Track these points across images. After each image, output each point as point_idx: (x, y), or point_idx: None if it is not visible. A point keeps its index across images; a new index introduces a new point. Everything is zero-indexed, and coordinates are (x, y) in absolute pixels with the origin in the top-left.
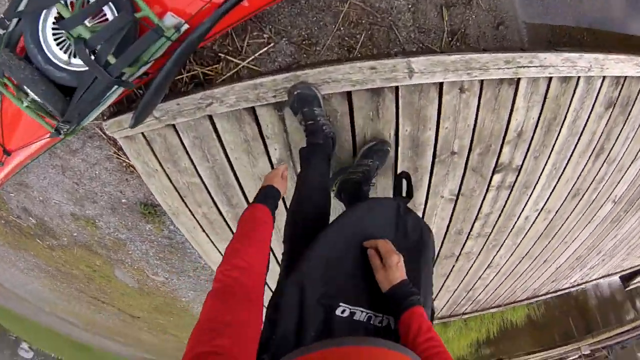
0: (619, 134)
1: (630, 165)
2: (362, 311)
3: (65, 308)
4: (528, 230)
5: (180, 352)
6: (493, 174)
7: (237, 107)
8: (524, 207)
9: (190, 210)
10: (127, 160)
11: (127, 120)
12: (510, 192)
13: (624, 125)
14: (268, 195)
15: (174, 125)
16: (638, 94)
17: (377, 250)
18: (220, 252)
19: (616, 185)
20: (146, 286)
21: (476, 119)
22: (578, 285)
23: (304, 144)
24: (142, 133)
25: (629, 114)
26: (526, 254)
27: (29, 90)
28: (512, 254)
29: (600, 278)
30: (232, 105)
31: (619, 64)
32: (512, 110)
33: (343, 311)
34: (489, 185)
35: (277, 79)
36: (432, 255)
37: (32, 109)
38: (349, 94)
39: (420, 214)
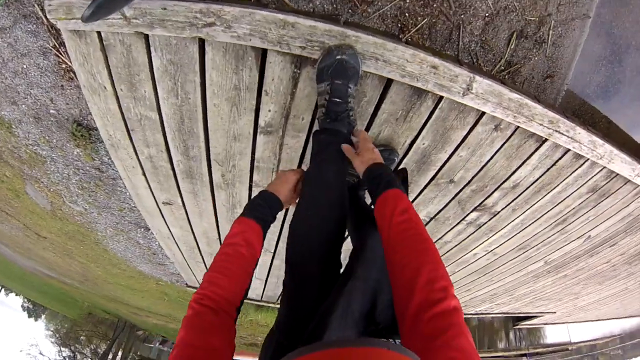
0: (583, 215)
1: (574, 240)
2: None
3: None
4: (469, 264)
5: (84, 277)
6: (473, 210)
7: (246, 42)
8: (478, 245)
9: (134, 148)
10: (67, 62)
11: (80, 6)
12: (476, 231)
13: (591, 209)
14: (264, 207)
15: (146, 37)
16: (616, 191)
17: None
18: (156, 201)
19: (555, 251)
20: (60, 211)
21: (490, 159)
22: (481, 314)
23: (307, 117)
24: (99, 32)
25: (600, 202)
26: (455, 282)
27: None
28: None
29: (500, 314)
30: (241, 37)
31: (622, 164)
32: (522, 164)
33: None
34: (462, 219)
35: (318, 27)
36: None
37: None
38: (388, 82)
39: None
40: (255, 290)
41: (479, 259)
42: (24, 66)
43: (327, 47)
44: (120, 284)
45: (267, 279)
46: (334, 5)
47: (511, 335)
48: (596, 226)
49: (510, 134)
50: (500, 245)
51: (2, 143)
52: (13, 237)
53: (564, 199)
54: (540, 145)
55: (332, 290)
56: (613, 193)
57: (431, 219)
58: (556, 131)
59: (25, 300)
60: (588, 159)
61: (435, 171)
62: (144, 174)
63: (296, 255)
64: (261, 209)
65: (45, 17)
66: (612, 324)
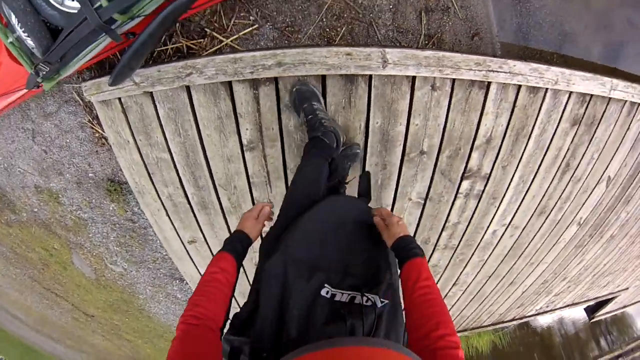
0: (584, 153)
1: (595, 187)
2: (342, 293)
3: (16, 299)
4: (495, 247)
5: None
6: (462, 179)
7: (215, 80)
8: (492, 220)
9: (156, 190)
10: (100, 131)
11: (106, 83)
12: (478, 202)
13: (588, 144)
14: (234, 241)
15: (151, 94)
16: (603, 114)
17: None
18: (182, 241)
19: (581, 207)
20: (103, 277)
21: (446, 119)
22: (544, 312)
23: (275, 126)
24: (119, 99)
25: (594, 134)
26: (493, 273)
27: (16, 25)
28: (478, 272)
29: (566, 307)
30: (210, 77)
31: (584, 82)
32: (481, 114)
33: (327, 292)
34: (457, 192)
35: (256, 55)
36: None
37: (16, 46)
38: (323, 78)
39: None
40: None
41: (501, 237)
42: (67, 140)
43: (289, 89)
44: None
45: None
46: (275, 42)
47: (602, 342)
48: (609, 163)
49: (450, 89)
50: (515, 214)
51: (51, 214)
52: (62, 325)
53: (551, 141)
54: (487, 91)
55: None
56: (601, 118)
57: (425, 199)
58: (489, 70)
59: None
60: (546, 89)
61: (401, 146)
62: (168, 215)
63: (290, 197)
64: (232, 243)
65: (81, 98)
66: None
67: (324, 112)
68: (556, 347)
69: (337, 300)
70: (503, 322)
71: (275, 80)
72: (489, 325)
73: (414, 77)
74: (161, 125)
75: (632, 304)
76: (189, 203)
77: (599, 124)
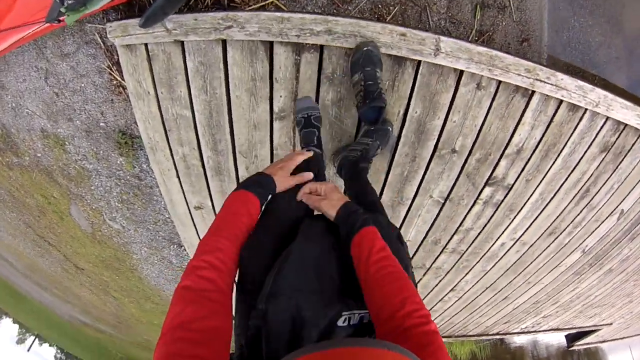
0: (605, 182)
1: (607, 218)
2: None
3: (9, 244)
4: (500, 259)
5: (117, 319)
6: (485, 185)
7: (256, 38)
8: (503, 232)
9: (170, 148)
10: (118, 79)
11: (133, 26)
12: (495, 212)
13: (612, 174)
14: (258, 184)
15: (182, 44)
16: (632, 147)
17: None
18: (188, 206)
19: (589, 235)
20: (99, 232)
21: (484, 121)
22: (528, 332)
23: (311, 96)
24: (146, 45)
25: (619, 164)
26: (490, 285)
27: None
28: (478, 281)
29: (550, 330)
30: (252, 34)
31: (623, 110)
32: (518, 123)
33: (344, 320)
34: (477, 197)
35: (306, 18)
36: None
37: None
38: None
39: (405, 210)
40: None
41: (507, 250)
42: (82, 85)
43: (356, 44)
44: (152, 323)
45: None
46: (322, 9)
47: None
48: (626, 196)
49: (495, 91)
50: (527, 230)
51: (54, 161)
52: (51, 274)
53: (578, 163)
54: (530, 99)
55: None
56: (630, 150)
57: (445, 199)
58: (537, 79)
59: (59, 351)
60: (585, 109)
61: (434, 140)
62: (178, 176)
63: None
64: (257, 186)
65: (103, 42)
66: None
67: (382, 81)
68: None
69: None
70: (487, 334)
71: (321, 48)
72: (473, 335)
73: (461, 72)
74: (187, 80)
75: (612, 339)
76: (203, 166)
77: (626, 155)
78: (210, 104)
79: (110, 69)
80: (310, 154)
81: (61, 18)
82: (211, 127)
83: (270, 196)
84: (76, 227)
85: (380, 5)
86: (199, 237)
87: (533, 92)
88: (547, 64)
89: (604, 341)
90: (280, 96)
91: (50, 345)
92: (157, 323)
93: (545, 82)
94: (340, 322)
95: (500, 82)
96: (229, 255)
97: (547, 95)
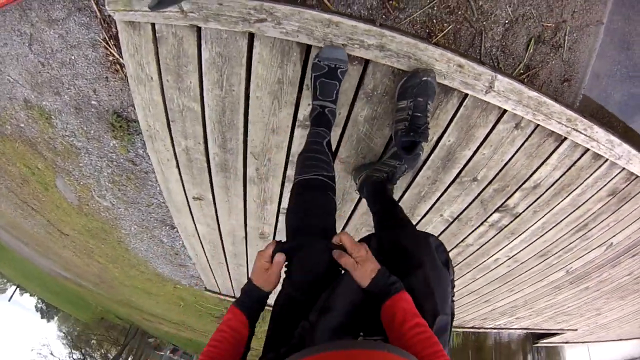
0: (604, 220)
1: (595, 248)
2: None
3: None
4: (490, 271)
5: (100, 279)
6: (495, 211)
7: (293, 38)
8: (500, 250)
9: (172, 139)
10: (116, 55)
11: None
12: (497, 233)
13: (611, 214)
14: (247, 295)
15: (199, 30)
16: (636, 195)
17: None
18: (186, 195)
19: (576, 259)
20: (86, 206)
21: (511, 157)
22: (500, 328)
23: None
24: (153, 25)
25: (620, 207)
26: (474, 291)
27: None
28: (464, 287)
29: (520, 329)
30: (289, 33)
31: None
32: (542, 163)
33: None
34: (484, 220)
35: (358, 27)
36: (435, 258)
37: None
38: None
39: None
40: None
41: (499, 265)
42: (72, 57)
43: (413, 70)
44: (136, 287)
45: None
46: (370, 11)
47: (529, 358)
48: (618, 233)
49: (530, 132)
50: (522, 250)
51: (38, 134)
52: (34, 234)
53: (584, 202)
54: (560, 145)
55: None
56: (633, 197)
57: (454, 219)
58: (574, 129)
59: (39, 301)
60: (607, 159)
61: (459, 169)
62: (178, 167)
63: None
64: (244, 298)
65: (99, 10)
66: (633, 346)
67: (430, 114)
68: (487, 350)
69: None
70: (463, 327)
71: (366, 63)
72: None
73: (504, 111)
74: (200, 70)
75: (574, 342)
76: (208, 162)
77: (629, 200)
78: (225, 100)
79: (107, 43)
80: (282, 258)
81: None
82: (222, 124)
83: (267, 295)
84: (61, 199)
85: (434, 20)
86: (195, 225)
87: (565, 138)
88: (579, 104)
89: (566, 342)
90: (309, 104)
91: (31, 296)
92: (141, 287)
93: (580, 133)
94: None
95: (537, 125)
96: None
97: (577, 143)
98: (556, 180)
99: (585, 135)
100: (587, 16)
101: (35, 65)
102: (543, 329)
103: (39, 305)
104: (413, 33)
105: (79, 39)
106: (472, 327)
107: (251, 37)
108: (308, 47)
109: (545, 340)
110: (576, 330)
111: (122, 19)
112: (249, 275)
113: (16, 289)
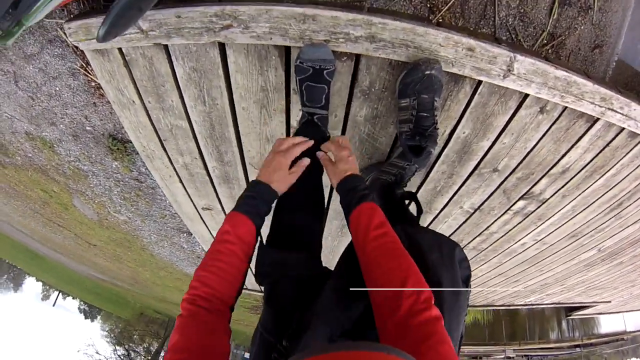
0: None
1: (631, 225)
2: None
3: (20, 222)
4: (517, 255)
5: (134, 280)
6: (519, 199)
7: (266, 42)
8: (527, 234)
9: (168, 157)
10: (96, 80)
11: (98, 25)
12: (523, 220)
13: None
14: (258, 198)
15: (166, 47)
16: None
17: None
18: (196, 207)
19: (609, 238)
20: (106, 221)
21: (536, 144)
22: (531, 305)
23: (340, 113)
24: (120, 49)
25: None
26: (503, 273)
27: None
28: (491, 270)
29: (552, 304)
30: (260, 36)
31: None
32: (572, 147)
33: None
34: (508, 209)
35: (341, 18)
36: (457, 276)
37: None
38: None
39: (431, 217)
40: None
41: (527, 248)
42: (57, 88)
43: (414, 62)
44: (167, 286)
45: None
46: None
47: (564, 324)
48: None
49: (558, 116)
50: (550, 234)
51: (47, 161)
52: (66, 245)
53: (619, 182)
54: (592, 126)
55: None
56: None
57: (475, 210)
58: (609, 109)
59: (82, 302)
60: None
61: (477, 161)
62: (181, 182)
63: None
64: (252, 201)
65: (68, 39)
66: None
67: (438, 112)
68: (522, 316)
69: None
70: (493, 305)
71: (357, 57)
72: (480, 306)
73: (526, 95)
74: (179, 88)
75: (608, 313)
76: (209, 175)
77: None
78: (211, 115)
79: (85, 70)
80: (311, 143)
81: None
82: (214, 138)
83: (274, 202)
84: (82, 215)
85: None
86: (210, 233)
87: (598, 119)
88: (612, 73)
89: (600, 313)
90: (300, 110)
91: (73, 299)
92: (172, 285)
93: (616, 112)
94: None
95: (566, 107)
96: (216, 289)
97: (610, 123)
98: (587, 163)
99: (622, 114)
100: None
101: (26, 100)
102: (575, 303)
103: (81, 307)
104: (411, 13)
105: (58, 70)
106: (502, 305)
107: (222, 46)
108: (287, 48)
109: (578, 313)
110: (610, 302)
111: (87, 48)
112: (258, 177)
113: (59, 294)
